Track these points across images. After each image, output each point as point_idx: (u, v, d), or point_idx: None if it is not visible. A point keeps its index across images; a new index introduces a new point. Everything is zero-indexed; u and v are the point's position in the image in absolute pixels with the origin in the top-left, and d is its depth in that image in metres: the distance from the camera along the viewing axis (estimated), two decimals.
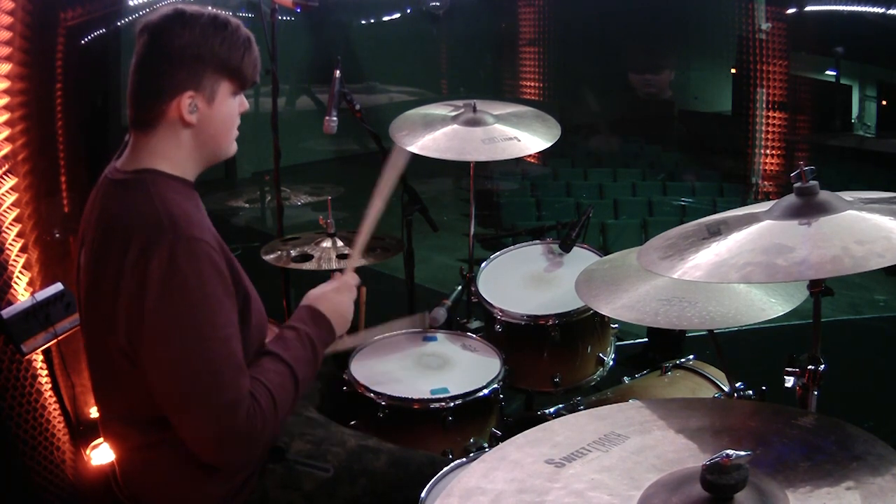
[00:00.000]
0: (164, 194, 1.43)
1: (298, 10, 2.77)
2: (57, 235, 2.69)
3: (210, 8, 1.50)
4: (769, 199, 1.39)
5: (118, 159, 1.53)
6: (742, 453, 0.91)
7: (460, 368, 2.10)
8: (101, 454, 2.30)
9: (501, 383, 2.05)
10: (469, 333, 2.28)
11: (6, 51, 2.39)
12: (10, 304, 2.10)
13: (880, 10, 8.24)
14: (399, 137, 2.41)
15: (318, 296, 1.66)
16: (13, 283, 2.20)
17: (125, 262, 1.36)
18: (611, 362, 2.32)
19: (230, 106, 1.52)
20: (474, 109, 2.46)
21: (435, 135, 2.40)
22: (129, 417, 1.49)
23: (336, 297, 1.67)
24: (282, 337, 1.55)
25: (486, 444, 1.99)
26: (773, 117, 9.45)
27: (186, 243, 1.36)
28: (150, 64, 1.45)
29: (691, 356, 2.36)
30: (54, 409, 2.32)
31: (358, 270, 2.44)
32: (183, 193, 1.47)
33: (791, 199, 1.27)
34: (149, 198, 1.42)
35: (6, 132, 2.35)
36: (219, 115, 1.50)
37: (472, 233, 2.63)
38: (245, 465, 1.53)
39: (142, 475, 1.53)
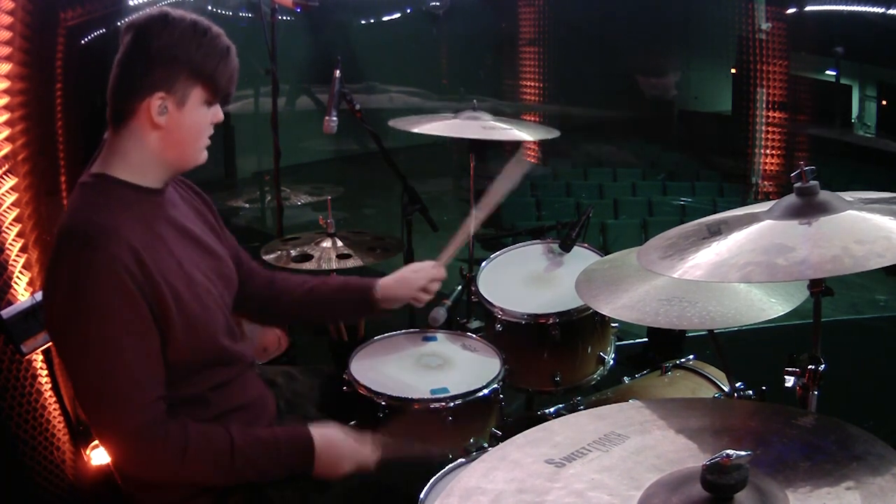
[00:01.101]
0: (96, 202, 1.45)
1: (298, 10, 2.77)
2: None
3: (193, 14, 1.52)
4: (769, 199, 1.39)
5: (92, 163, 1.55)
6: (742, 453, 0.91)
7: (460, 368, 2.10)
8: (101, 454, 2.30)
9: (501, 383, 2.04)
10: (469, 333, 2.28)
11: (6, 51, 2.39)
12: (10, 304, 2.10)
13: (880, 10, 8.24)
14: (397, 123, 2.44)
15: (329, 442, 1.58)
16: (13, 283, 2.20)
17: (51, 266, 1.42)
18: (611, 362, 2.32)
19: (201, 114, 1.52)
20: (474, 109, 2.48)
21: (433, 123, 2.42)
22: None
23: (343, 451, 1.59)
24: (256, 432, 1.55)
25: (486, 444, 1.99)
26: (773, 117, 9.45)
27: (90, 254, 1.37)
28: (128, 62, 1.48)
29: (691, 356, 2.36)
30: (54, 409, 2.32)
31: (358, 270, 2.45)
32: (124, 201, 1.48)
33: (791, 199, 1.27)
34: (82, 203, 1.46)
35: (6, 132, 2.34)
36: (188, 121, 1.50)
37: (472, 233, 2.63)
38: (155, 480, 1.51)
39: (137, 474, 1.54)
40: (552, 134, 2.49)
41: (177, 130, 1.50)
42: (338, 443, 1.59)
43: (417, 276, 1.97)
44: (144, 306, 1.42)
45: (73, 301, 1.37)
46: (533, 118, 10.05)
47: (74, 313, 1.37)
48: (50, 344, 2.12)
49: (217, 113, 1.57)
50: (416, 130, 2.38)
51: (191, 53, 1.47)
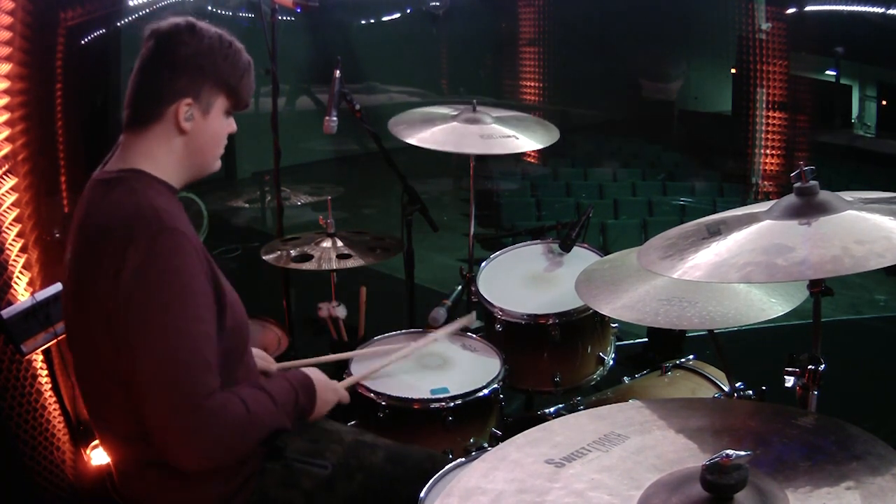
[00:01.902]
0: (146, 191, 1.46)
1: (298, 10, 2.77)
2: (57, 235, 2.69)
3: (217, 27, 1.55)
4: (769, 199, 1.39)
5: (106, 163, 1.54)
6: (742, 453, 0.91)
7: (460, 368, 2.10)
8: (101, 454, 2.30)
9: (501, 383, 2.05)
10: (469, 333, 2.28)
11: (6, 51, 2.39)
12: (10, 304, 2.10)
13: (880, 10, 8.25)
14: (397, 130, 2.43)
15: (321, 380, 1.70)
16: (13, 283, 2.20)
17: (107, 257, 1.38)
18: (611, 362, 2.32)
19: (222, 123, 1.57)
20: (474, 109, 2.47)
21: (433, 129, 2.40)
22: (118, 421, 1.48)
23: (329, 392, 1.71)
24: (269, 379, 1.61)
25: (486, 444, 1.99)
26: (773, 117, 9.45)
27: (169, 234, 1.38)
28: (153, 68, 1.49)
29: (691, 356, 2.36)
30: (54, 409, 2.32)
31: (358, 270, 2.45)
32: (166, 195, 1.50)
33: (791, 199, 1.27)
34: (132, 193, 1.45)
35: (6, 132, 2.34)
36: (210, 129, 1.55)
37: (472, 233, 2.64)
38: (206, 468, 1.46)
39: (138, 478, 1.53)
40: (553, 137, 2.48)
41: (200, 137, 1.54)
42: (324, 381, 1.70)
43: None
44: (211, 292, 1.44)
45: (150, 283, 1.35)
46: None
47: (152, 295, 1.35)
48: (51, 344, 2.12)
49: (231, 124, 1.61)
50: (413, 142, 2.37)
51: (217, 63, 1.51)
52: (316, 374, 1.70)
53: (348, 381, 1.92)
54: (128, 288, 1.35)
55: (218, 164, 1.63)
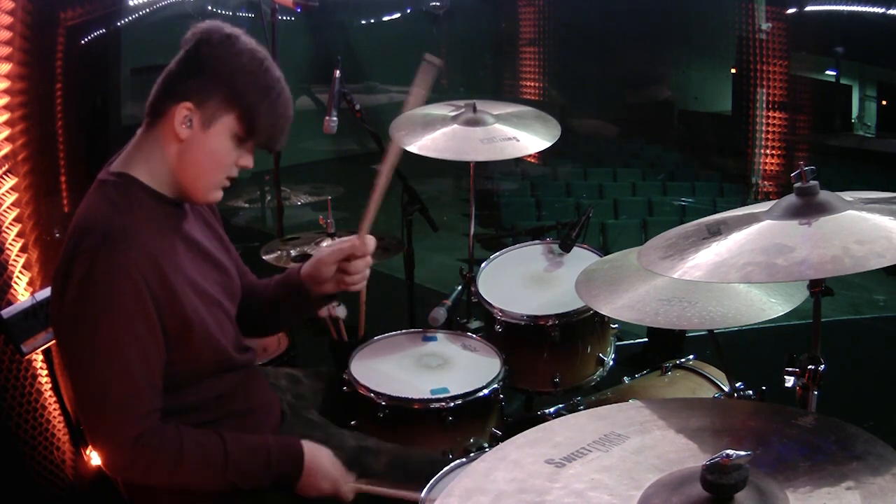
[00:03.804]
0: (120, 202, 1.42)
1: (298, 10, 2.77)
2: (57, 235, 2.69)
3: (261, 47, 1.47)
4: (769, 199, 1.39)
5: (111, 163, 1.53)
6: (742, 453, 0.91)
7: (460, 368, 2.10)
8: None
9: (501, 383, 2.04)
10: (469, 333, 2.28)
11: (6, 51, 2.39)
12: (10, 304, 2.10)
13: (880, 10, 8.25)
14: (399, 137, 2.42)
15: (318, 461, 1.57)
16: (13, 283, 2.20)
17: (63, 263, 1.39)
18: (611, 362, 2.32)
19: (225, 146, 1.45)
20: (474, 109, 2.46)
21: (434, 135, 2.40)
22: None
23: (324, 480, 1.57)
24: (246, 436, 1.53)
25: (486, 444, 1.99)
26: (773, 117, 9.45)
27: (109, 255, 1.35)
28: (175, 63, 1.45)
29: (691, 356, 2.36)
30: (54, 409, 2.32)
31: None
32: (146, 206, 1.45)
33: (791, 198, 1.27)
34: (103, 203, 1.42)
35: (6, 132, 2.34)
36: (209, 145, 1.44)
37: (472, 233, 2.63)
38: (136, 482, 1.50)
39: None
40: (554, 135, 2.48)
41: (195, 151, 1.45)
42: (325, 462, 1.58)
43: (329, 250, 1.73)
44: (155, 316, 1.40)
45: (84, 301, 1.35)
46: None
47: (85, 313, 1.35)
48: (50, 344, 2.12)
49: (246, 157, 1.50)
50: (414, 150, 2.36)
51: (235, 76, 1.41)
52: (317, 455, 1.57)
53: (358, 486, 1.63)
54: (69, 301, 1.36)
55: (216, 196, 1.51)
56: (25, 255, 2.33)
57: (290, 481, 1.54)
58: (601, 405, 1.26)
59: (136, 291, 1.37)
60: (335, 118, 2.43)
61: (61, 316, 1.39)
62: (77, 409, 1.47)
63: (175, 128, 1.43)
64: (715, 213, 1.44)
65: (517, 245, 2.56)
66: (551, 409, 2.19)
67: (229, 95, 1.42)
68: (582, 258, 2.40)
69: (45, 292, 2.10)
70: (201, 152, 1.45)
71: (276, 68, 1.48)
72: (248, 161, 1.51)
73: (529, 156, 9.33)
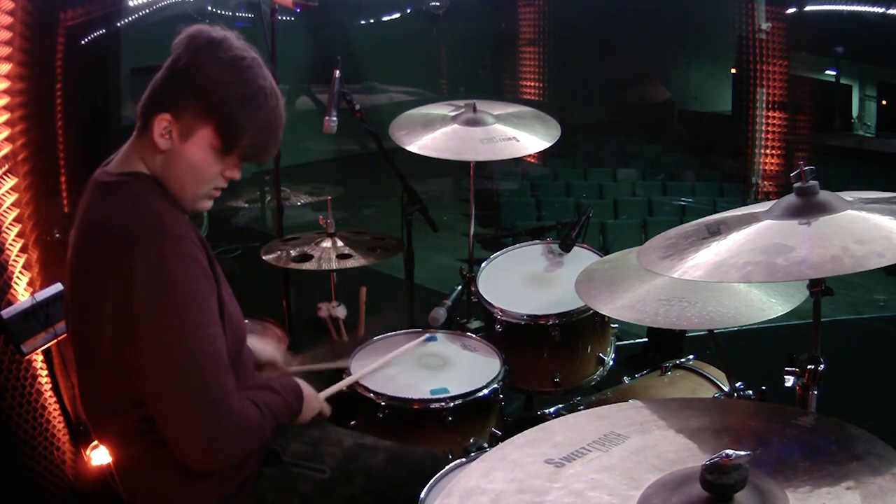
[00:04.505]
0: (147, 196, 1.43)
1: (298, 10, 2.77)
2: (57, 235, 2.69)
3: (248, 50, 1.42)
4: (769, 199, 1.39)
5: (107, 164, 1.52)
6: (742, 453, 0.91)
7: (460, 368, 2.10)
8: (101, 454, 2.30)
9: (501, 383, 2.04)
10: (469, 333, 2.28)
11: (6, 51, 2.39)
12: (10, 304, 2.10)
13: (880, 10, 8.25)
14: (399, 137, 2.42)
15: (307, 388, 1.70)
16: (13, 283, 2.20)
17: (111, 262, 1.36)
18: (611, 362, 2.32)
19: (205, 158, 1.42)
20: (474, 109, 2.46)
21: (434, 135, 2.40)
22: (117, 420, 1.48)
23: (313, 400, 1.71)
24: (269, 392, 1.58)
25: (486, 444, 1.99)
26: (773, 117, 9.45)
27: (173, 242, 1.36)
28: (161, 71, 1.43)
29: (691, 356, 2.36)
30: (54, 409, 2.32)
31: (358, 270, 2.45)
32: (169, 200, 1.47)
33: (791, 198, 1.27)
34: (133, 199, 1.42)
35: (6, 132, 2.34)
36: (189, 158, 1.42)
37: (472, 233, 2.64)
38: (229, 466, 1.50)
39: (138, 477, 1.53)
40: (553, 135, 2.48)
41: (177, 163, 1.43)
42: (310, 389, 1.70)
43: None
44: (217, 300, 1.43)
45: (162, 295, 1.34)
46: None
47: (166, 306, 1.34)
48: (51, 344, 2.12)
49: (232, 170, 1.47)
50: (414, 150, 2.37)
51: (211, 87, 1.38)
52: (301, 383, 1.69)
53: (328, 391, 1.85)
54: (140, 297, 1.34)
55: (204, 205, 1.50)
56: (25, 256, 2.33)
57: (299, 413, 1.63)
58: (601, 405, 1.26)
59: (206, 275, 1.40)
60: (335, 118, 2.43)
61: (131, 317, 1.34)
62: (165, 407, 1.39)
63: (154, 139, 1.41)
64: (715, 213, 1.44)
65: (517, 245, 2.56)
66: (551, 409, 2.19)
67: (205, 107, 1.39)
68: (582, 258, 2.40)
69: (45, 292, 2.10)
70: (182, 165, 1.43)
71: (262, 76, 1.42)
72: (234, 173, 1.48)
73: (529, 156, 9.35)
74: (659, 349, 2.96)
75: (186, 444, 1.39)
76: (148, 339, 1.36)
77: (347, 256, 2.45)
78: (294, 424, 1.65)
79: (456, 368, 2.10)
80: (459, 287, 2.45)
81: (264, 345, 1.87)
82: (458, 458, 1.73)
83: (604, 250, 2.43)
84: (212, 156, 1.43)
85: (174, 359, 1.36)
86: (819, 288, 1.33)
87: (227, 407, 1.38)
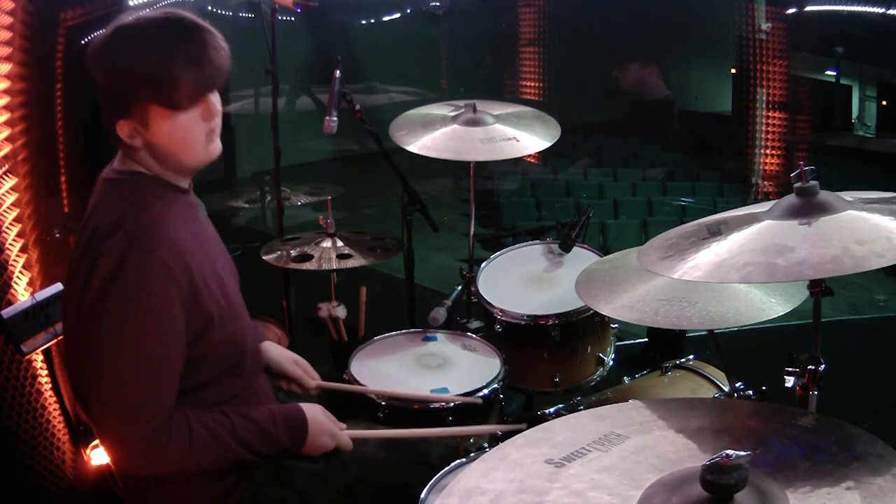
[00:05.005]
0: (139, 200, 1.43)
1: (298, 10, 2.77)
2: (57, 235, 2.69)
3: (138, 23, 1.42)
4: (769, 199, 1.39)
5: (114, 161, 1.54)
6: (742, 453, 0.91)
7: (460, 368, 2.10)
8: (101, 454, 2.30)
9: (501, 383, 2.04)
10: (469, 333, 2.28)
11: (6, 51, 2.39)
12: (10, 304, 2.10)
13: (880, 10, 8.25)
14: (399, 137, 2.42)
15: (317, 420, 1.63)
16: (13, 283, 2.20)
17: (84, 257, 1.39)
18: (611, 362, 2.32)
19: (173, 125, 1.42)
20: (474, 110, 2.46)
21: (434, 135, 2.40)
22: None
23: (325, 436, 1.63)
24: (252, 409, 1.56)
25: (486, 444, 1.99)
26: (773, 117, 9.45)
27: (138, 254, 1.36)
28: (99, 92, 1.44)
29: (691, 356, 2.36)
30: (54, 409, 2.32)
31: (358, 270, 2.45)
32: (165, 199, 1.47)
33: (791, 199, 1.27)
34: (121, 199, 1.44)
35: (6, 132, 2.34)
36: (164, 136, 1.43)
37: (472, 233, 2.64)
38: (148, 474, 1.49)
39: (135, 476, 1.54)
40: (553, 135, 2.48)
41: (159, 147, 1.45)
42: (322, 418, 1.64)
43: (285, 367, 1.86)
44: (181, 318, 1.41)
45: (109, 299, 1.35)
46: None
47: (109, 311, 1.35)
48: (51, 344, 2.12)
49: (207, 107, 1.45)
50: (414, 150, 2.37)
51: (121, 79, 1.39)
52: (314, 414, 1.62)
53: (355, 433, 1.71)
54: (92, 298, 1.36)
55: (213, 150, 1.49)
56: (25, 256, 2.32)
57: (298, 446, 1.58)
58: (601, 405, 1.26)
59: (163, 292, 1.38)
60: (335, 118, 2.43)
61: (82, 311, 1.38)
62: (87, 407, 1.44)
63: (129, 143, 1.44)
64: (715, 213, 1.44)
65: (517, 245, 2.56)
66: (551, 409, 2.19)
67: (134, 96, 1.40)
68: (582, 258, 2.40)
69: (46, 292, 2.10)
70: (164, 145, 1.45)
71: (143, 33, 1.40)
72: (207, 110, 1.45)
73: (529, 156, 9.35)
74: (659, 349, 2.96)
75: (105, 443, 1.44)
76: (88, 334, 1.39)
77: (347, 256, 2.45)
78: (303, 454, 1.60)
79: (456, 368, 2.10)
80: (459, 287, 2.45)
81: (290, 363, 1.85)
82: (458, 458, 1.73)
83: (604, 250, 2.43)
84: (176, 118, 1.42)
85: (102, 365, 1.38)
86: (819, 288, 1.33)
87: (144, 416, 1.38)
